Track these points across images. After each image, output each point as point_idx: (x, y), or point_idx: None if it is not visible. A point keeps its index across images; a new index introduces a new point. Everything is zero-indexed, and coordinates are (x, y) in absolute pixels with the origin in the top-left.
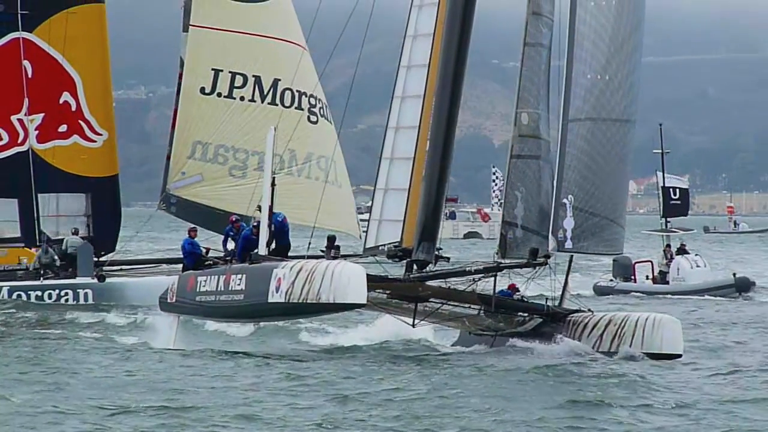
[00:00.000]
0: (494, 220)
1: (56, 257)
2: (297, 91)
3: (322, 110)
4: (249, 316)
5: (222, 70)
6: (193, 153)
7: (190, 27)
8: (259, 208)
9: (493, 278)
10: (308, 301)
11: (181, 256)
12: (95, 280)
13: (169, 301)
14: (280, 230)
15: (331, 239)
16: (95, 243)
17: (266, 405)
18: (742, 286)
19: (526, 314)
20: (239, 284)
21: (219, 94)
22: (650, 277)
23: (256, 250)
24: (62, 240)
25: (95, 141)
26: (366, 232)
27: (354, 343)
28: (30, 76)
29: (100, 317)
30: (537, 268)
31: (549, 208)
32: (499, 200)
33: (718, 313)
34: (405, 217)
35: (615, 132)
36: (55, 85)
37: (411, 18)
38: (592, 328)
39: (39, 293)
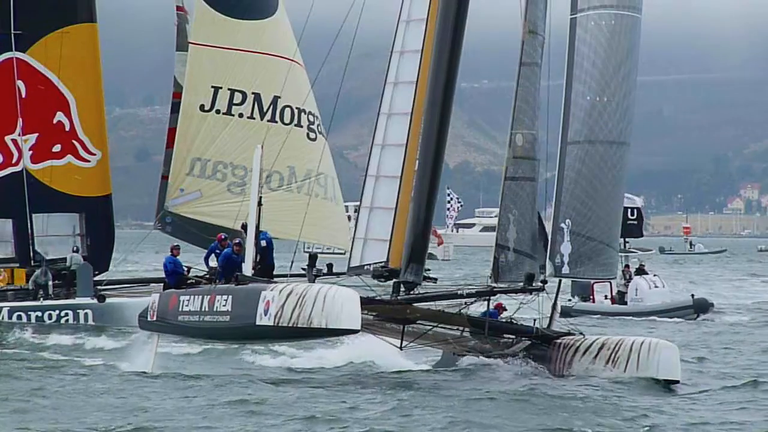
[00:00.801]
0: (448, 241)
1: (50, 280)
2: (296, 108)
3: (319, 127)
4: (235, 339)
5: (221, 87)
6: (191, 169)
7: (189, 45)
8: (243, 227)
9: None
10: (299, 326)
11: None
12: (95, 301)
13: (149, 319)
14: (265, 250)
15: (313, 257)
16: (89, 262)
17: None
18: (700, 308)
19: (514, 336)
20: (225, 305)
21: (218, 111)
22: (609, 297)
23: (239, 271)
24: (63, 259)
25: (89, 161)
26: (350, 251)
27: (321, 364)
28: (24, 96)
29: (79, 339)
30: (532, 293)
31: (541, 230)
32: (454, 222)
33: (677, 334)
34: (392, 236)
35: (612, 154)
36: (49, 105)
37: (398, 33)
38: (584, 352)
39: (39, 314)
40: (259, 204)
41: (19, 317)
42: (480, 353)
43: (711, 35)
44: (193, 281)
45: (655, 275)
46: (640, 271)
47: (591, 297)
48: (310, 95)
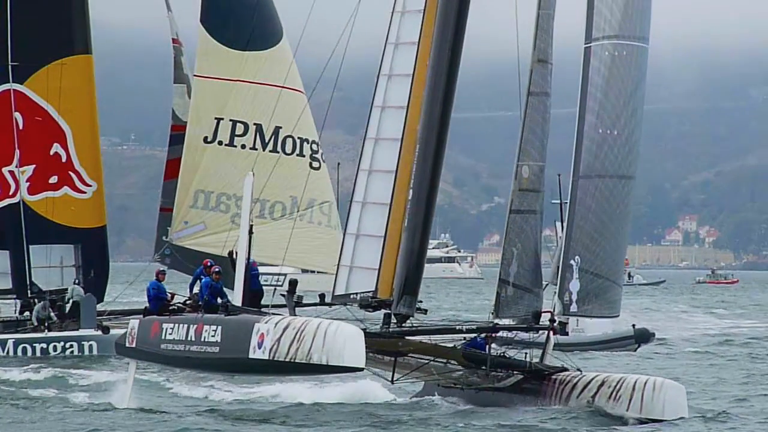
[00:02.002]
0: None
1: (53, 313)
2: (298, 138)
3: (322, 155)
4: (225, 370)
5: (223, 119)
6: (195, 202)
7: (194, 77)
8: (229, 255)
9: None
10: (297, 361)
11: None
12: (99, 332)
13: (127, 345)
14: (252, 274)
15: (293, 283)
16: (85, 293)
17: None
18: (641, 338)
19: (506, 370)
20: (214, 336)
21: (220, 143)
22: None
23: (225, 299)
24: (61, 290)
25: (85, 192)
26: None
27: (299, 399)
28: (21, 127)
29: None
30: (539, 332)
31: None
32: None
33: (614, 365)
34: (380, 266)
35: (620, 189)
36: (46, 136)
37: (386, 56)
38: (583, 389)
39: (44, 345)
40: (250, 232)
41: (24, 350)
42: (466, 385)
43: (650, 67)
44: (176, 308)
45: None
46: None
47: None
48: (312, 124)
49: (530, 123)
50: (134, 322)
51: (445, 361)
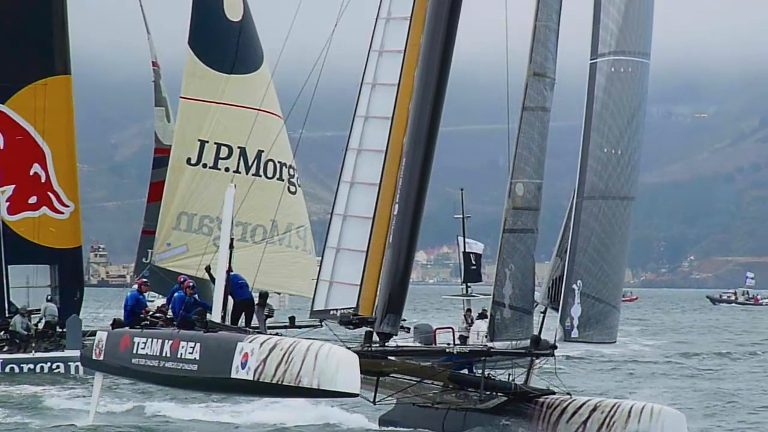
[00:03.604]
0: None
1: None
2: (278, 161)
3: (298, 180)
4: (204, 389)
5: (207, 141)
6: (178, 224)
7: (180, 99)
8: (207, 269)
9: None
10: (284, 383)
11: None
12: None
13: (94, 357)
14: (234, 285)
15: (263, 295)
16: (61, 314)
17: None
18: (541, 347)
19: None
20: (192, 353)
21: (204, 165)
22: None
23: (198, 313)
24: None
25: (63, 213)
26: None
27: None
28: (2, 147)
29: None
30: (539, 358)
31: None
32: None
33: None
34: (362, 282)
35: (622, 211)
36: (27, 156)
37: (369, 65)
38: (573, 414)
39: (32, 366)
40: (231, 246)
41: (12, 369)
42: (444, 405)
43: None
44: (149, 322)
45: None
46: (483, 316)
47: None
48: (289, 148)
49: (525, 139)
50: (102, 334)
51: (430, 382)
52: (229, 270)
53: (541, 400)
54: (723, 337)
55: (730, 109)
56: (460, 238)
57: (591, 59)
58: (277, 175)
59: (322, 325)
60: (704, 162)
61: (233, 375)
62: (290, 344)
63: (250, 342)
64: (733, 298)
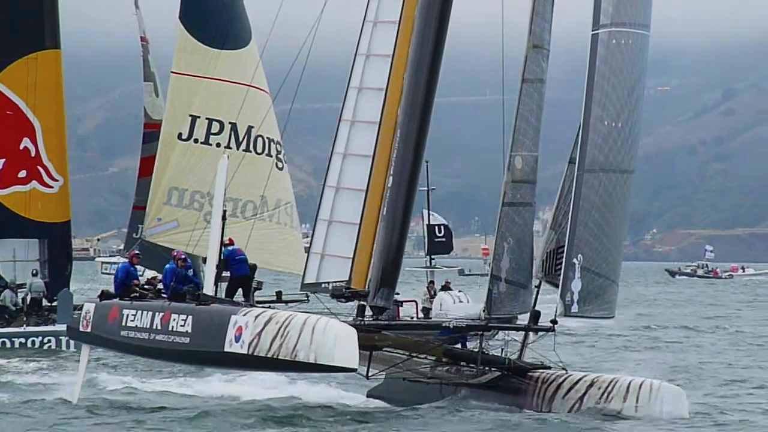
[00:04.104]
0: None
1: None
2: (267, 137)
3: (285, 156)
4: (196, 362)
5: (199, 117)
6: (169, 199)
7: (171, 74)
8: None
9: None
10: (280, 357)
11: None
12: None
13: (82, 330)
14: (232, 260)
15: (252, 268)
16: (49, 288)
17: None
18: (502, 317)
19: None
20: (183, 326)
21: (196, 140)
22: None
23: (194, 286)
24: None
25: (52, 187)
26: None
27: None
28: None
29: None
30: (537, 333)
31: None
32: None
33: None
34: (354, 255)
35: (622, 184)
36: (17, 130)
37: (363, 35)
38: (569, 389)
39: (23, 340)
40: (224, 218)
41: (3, 343)
42: (436, 380)
43: (514, 56)
44: (137, 294)
45: (460, 291)
46: (446, 288)
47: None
48: (276, 124)
49: (524, 111)
50: (89, 306)
51: (423, 357)
52: (229, 243)
53: (536, 375)
54: (687, 310)
55: (693, 82)
56: (425, 211)
57: (592, 30)
58: (266, 151)
59: (308, 300)
60: (667, 135)
61: (226, 348)
62: (286, 318)
63: (244, 315)
64: (691, 271)
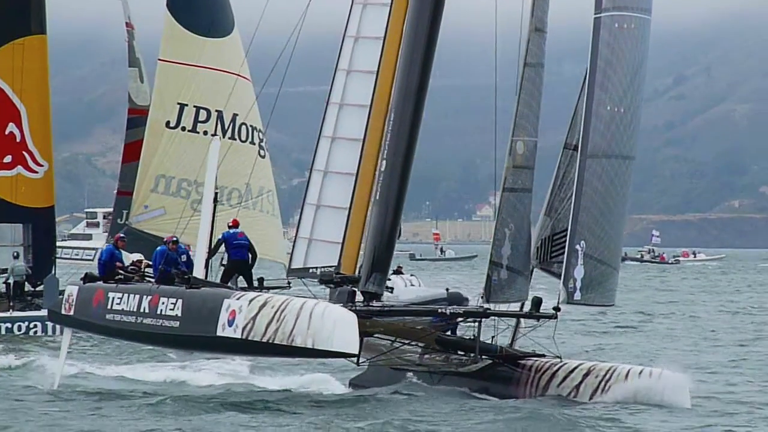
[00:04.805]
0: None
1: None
2: (251, 125)
3: (267, 144)
4: (186, 347)
5: (187, 105)
6: (156, 186)
7: (158, 62)
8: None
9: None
10: (276, 342)
11: None
12: None
13: (64, 313)
14: (230, 243)
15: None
16: (34, 273)
17: None
18: (454, 301)
19: (472, 354)
20: (173, 309)
21: (183, 128)
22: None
23: (177, 269)
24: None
25: (37, 172)
26: (291, 250)
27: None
28: None
29: None
30: (539, 320)
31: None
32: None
33: None
34: (344, 240)
35: (624, 170)
36: (2, 116)
37: (352, 18)
38: (564, 378)
39: (9, 325)
40: (215, 201)
41: None
42: (425, 368)
43: (469, 42)
44: (122, 277)
45: (412, 275)
46: (398, 272)
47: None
48: (258, 112)
49: (525, 96)
50: (72, 288)
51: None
52: (232, 225)
53: (528, 363)
54: (642, 295)
55: None
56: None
57: (595, 14)
58: (250, 139)
59: (290, 286)
60: None
61: (219, 333)
62: (282, 302)
63: (237, 299)
64: (639, 256)
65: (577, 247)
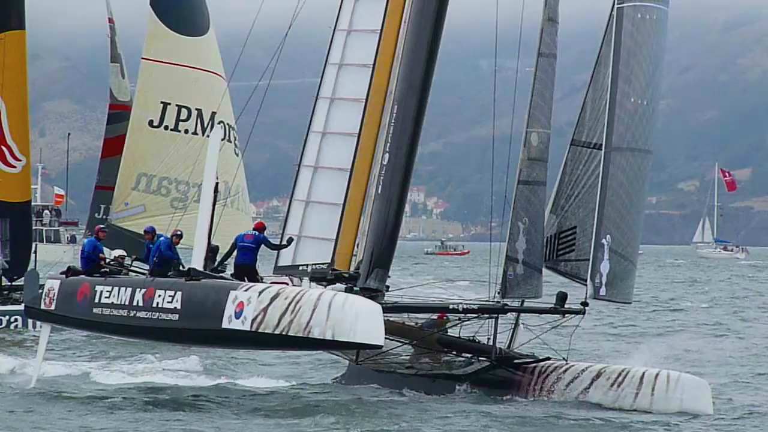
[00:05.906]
0: None
1: None
2: (227, 124)
3: (239, 143)
4: (186, 340)
5: (170, 103)
6: (137, 184)
7: (141, 60)
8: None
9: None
10: (290, 334)
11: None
12: None
13: (44, 308)
14: (238, 246)
15: (214, 250)
16: (10, 268)
17: None
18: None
19: (469, 356)
20: (171, 302)
21: (166, 127)
22: None
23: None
24: None
25: (15, 167)
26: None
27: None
28: None
29: None
30: (565, 316)
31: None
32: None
33: None
34: (338, 236)
35: (645, 164)
36: None
37: (344, 10)
38: (572, 380)
39: None
40: (216, 191)
41: None
42: (420, 373)
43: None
44: (108, 270)
45: None
46: None
47: None
48: (232, 111)
49: (540, 87)
50: (53, 283)
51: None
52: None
53: (531, 366)
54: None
55: (561, 62)
56: None
57: (618, 3)
58: (226, 137)
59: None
60: None
61: (225, 325)
62: (297, 293)
63: (245, 290)
64: None
65: (604, 241)
